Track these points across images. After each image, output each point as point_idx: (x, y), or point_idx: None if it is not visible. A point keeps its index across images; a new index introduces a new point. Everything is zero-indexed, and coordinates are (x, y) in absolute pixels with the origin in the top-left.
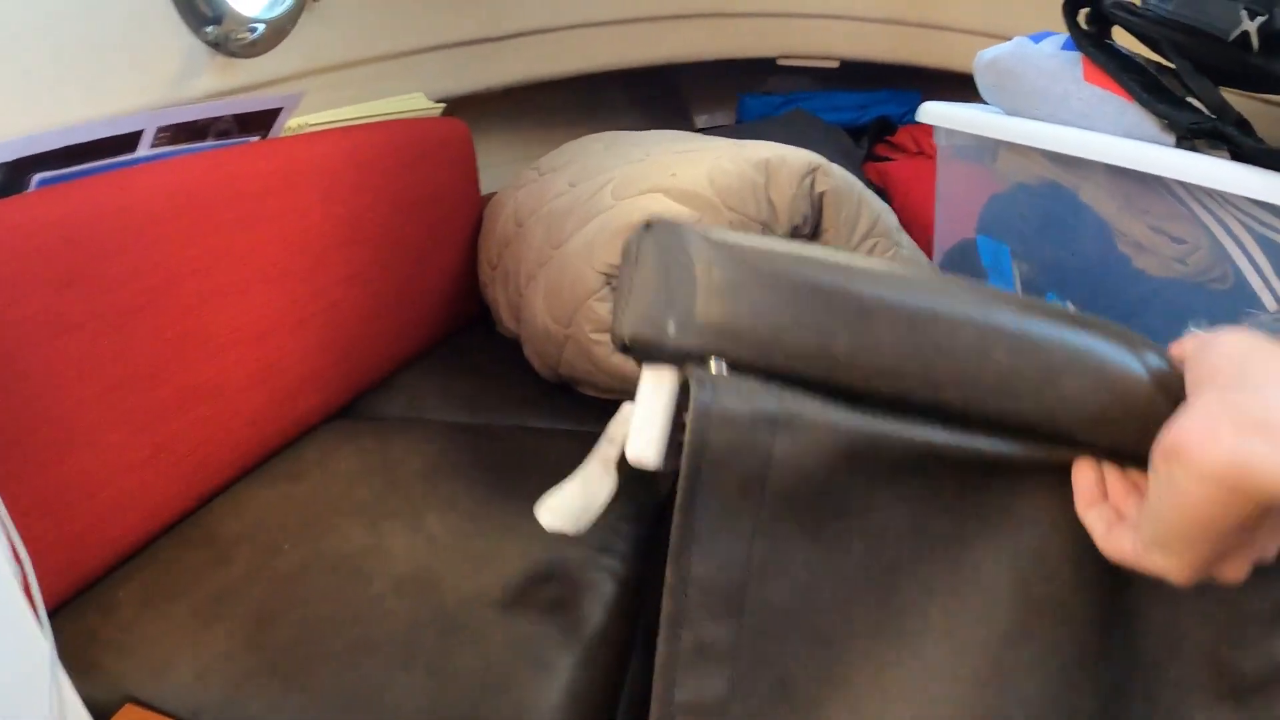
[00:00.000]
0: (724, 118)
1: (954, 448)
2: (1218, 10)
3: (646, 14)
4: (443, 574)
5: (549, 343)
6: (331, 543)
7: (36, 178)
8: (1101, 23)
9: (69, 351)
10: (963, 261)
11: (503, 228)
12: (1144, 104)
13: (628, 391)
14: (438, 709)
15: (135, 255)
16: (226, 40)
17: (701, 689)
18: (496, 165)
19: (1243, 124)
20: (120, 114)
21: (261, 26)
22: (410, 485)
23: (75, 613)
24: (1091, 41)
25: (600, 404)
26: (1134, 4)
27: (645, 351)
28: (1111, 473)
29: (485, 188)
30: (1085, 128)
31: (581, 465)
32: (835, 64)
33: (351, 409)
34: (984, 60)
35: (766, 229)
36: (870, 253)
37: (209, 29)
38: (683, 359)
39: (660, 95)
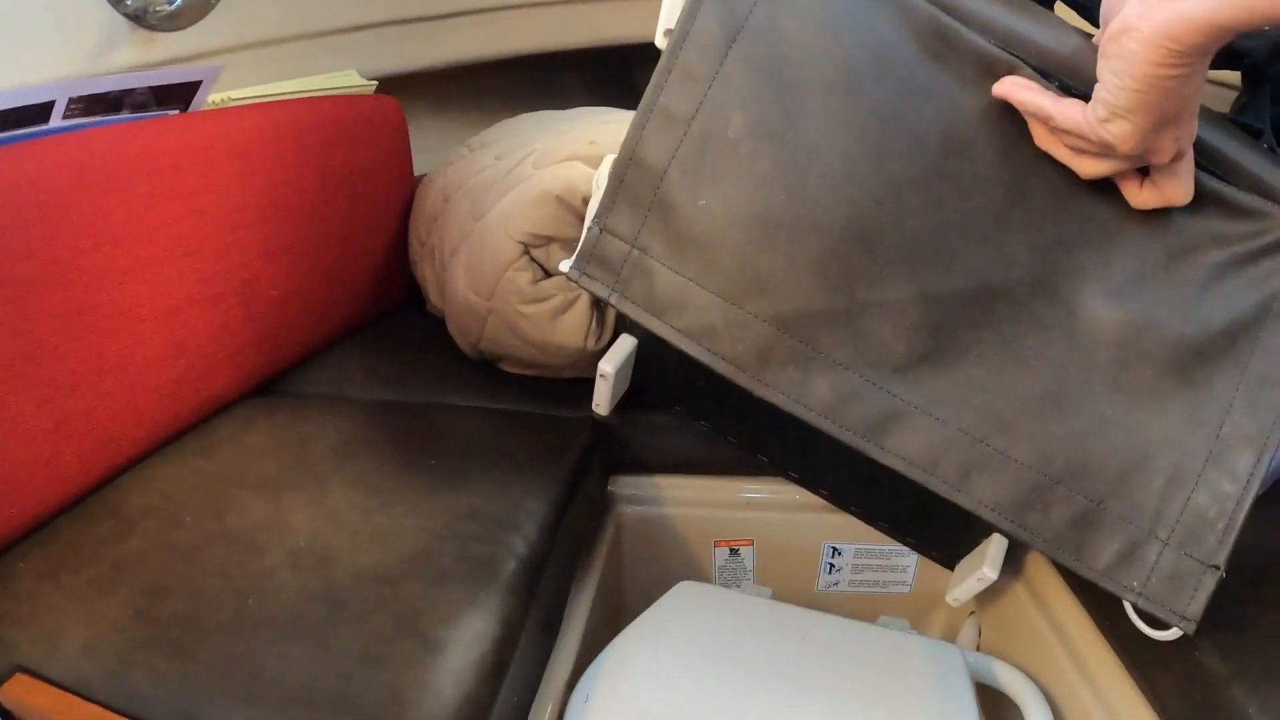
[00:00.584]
0: None
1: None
2: None
3: None
4: (339, 549)
5: (470, 317)
6: (232, 516)
7: None
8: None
9: None
10: None
11: (431, 204)
12: None
13: (551, 365)
14: (316, 683)
15: (40, 227)
16: (146, 13)
17: (678, 99)
18: (439, 148)
19: None
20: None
21: None
22: (319, 461)
23: None
24: None
25: (520, 380)
26: None
27: None
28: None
29: (426, 169)
30: None
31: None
32: None
33: (272, 386)
34: None
35: None
36: None
37: (128, 1)
38: None
39: (610, 78)
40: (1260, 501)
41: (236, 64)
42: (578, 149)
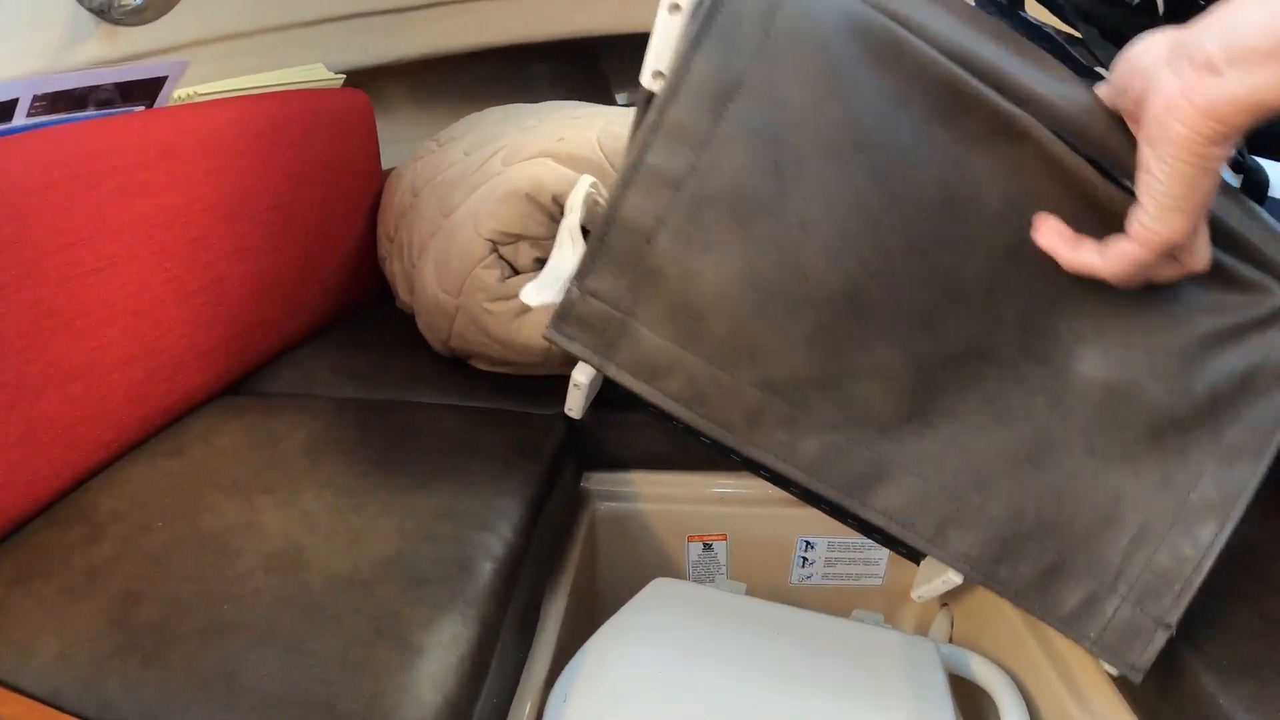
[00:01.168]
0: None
1: (937, 61)
2: None
3: None
4: (313, 552)
5: (439, 314)
6: (204, 519)
7: None
8: None
9: None
10: None
11: (400, 200)
12: None
13: (520, 364)
14: (294, 689)
15: (5, 228)
16: (111, 7)
17: (669, 159)
18: (407, 141)
19: None
20: None
21: None
22: (290, 461)
23: None
24: (999, 10)
25: (491, 378)
26: None
27: None
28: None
29: (394, 163)
30: None
31: (556, 244)
32: None
33: (241, 386)
34: None
35: None
36: None
37: None
38: None
39: (580, 71)
40: None
41: (202, 58)
42: (546, 146)
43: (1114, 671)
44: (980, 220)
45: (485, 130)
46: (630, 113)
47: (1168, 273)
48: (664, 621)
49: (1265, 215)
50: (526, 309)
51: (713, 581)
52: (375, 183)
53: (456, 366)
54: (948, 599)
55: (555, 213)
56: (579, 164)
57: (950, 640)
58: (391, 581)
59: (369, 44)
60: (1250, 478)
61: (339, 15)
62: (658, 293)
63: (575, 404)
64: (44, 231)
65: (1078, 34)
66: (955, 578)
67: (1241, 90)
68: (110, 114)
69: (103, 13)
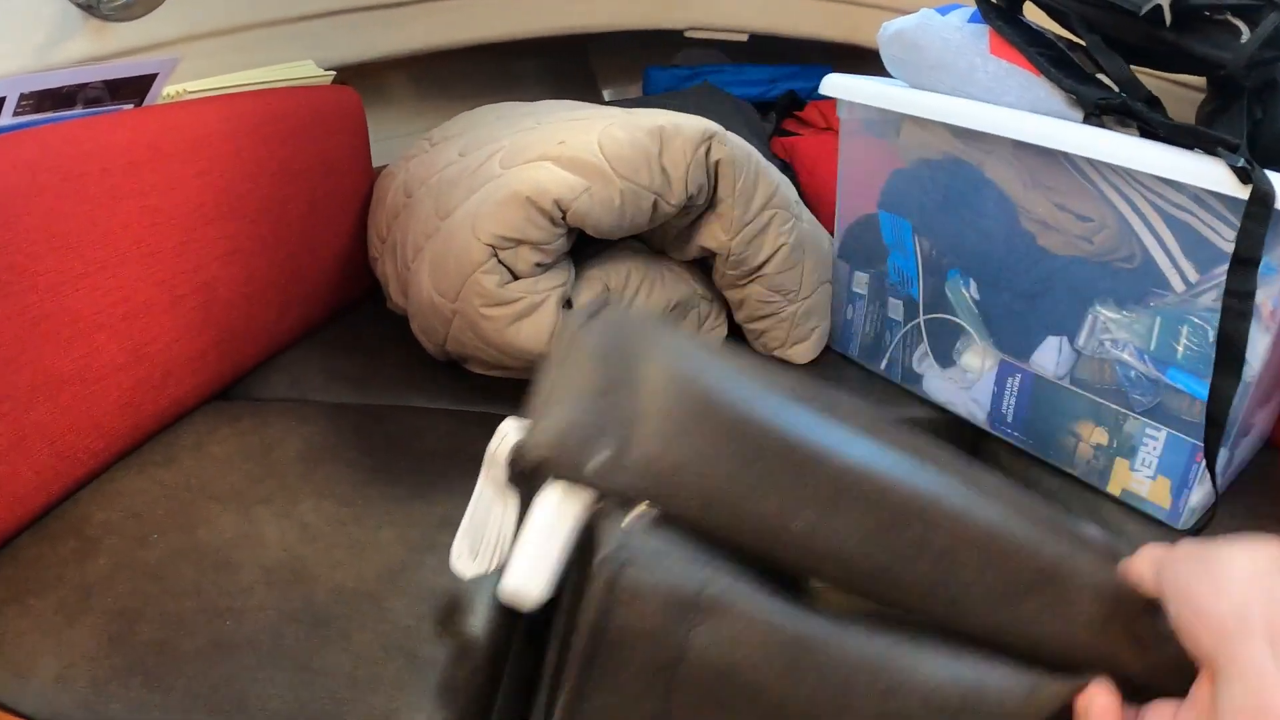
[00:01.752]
0: (633, 91)
1: (897, 670)
2: None
3: None
4: (315, 564)
5: (435, 318)
6: (201, 532)
7: None
8: None
9: None
10: (864, 237)
11: (392, 200)
12: (1051, 79)
13: (515, 368)
14: (304, 709)
15: None
16: (99, 2)
17: None
18: (396, 138)
19: (1152, 101)
20: None
21: None
22: (286, 470)
23: None
24: (999, 15)
25: (487, 381)
26: None
27: (557, 474)
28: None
29: (385, 161)
30: (991, 102)
31: (474, 495)
32: (745, 37)
33: (232, 390)
34: (888, 32)
35: (660, 198)
36: (768, 225)
37: None
38: (602, 496)
39: (568, 68)
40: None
41: (191, 54)
42: (547, 149)
43: None
44: None
45: (481, 130)
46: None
47: None
48: None
49: None
50: (526, 313)
51: None
52: (366, 181)
53: (450, 369)
54: None
55: (557, 217)
56: (580, 168)
57: None
58: (398, 594)
59: (358, 40)
60: None
61: (328, 11)
62: None
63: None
64: (32, 235)
65: (1080, 40)
66: None
67: None
68: (99, 113)
69: (91, 8)
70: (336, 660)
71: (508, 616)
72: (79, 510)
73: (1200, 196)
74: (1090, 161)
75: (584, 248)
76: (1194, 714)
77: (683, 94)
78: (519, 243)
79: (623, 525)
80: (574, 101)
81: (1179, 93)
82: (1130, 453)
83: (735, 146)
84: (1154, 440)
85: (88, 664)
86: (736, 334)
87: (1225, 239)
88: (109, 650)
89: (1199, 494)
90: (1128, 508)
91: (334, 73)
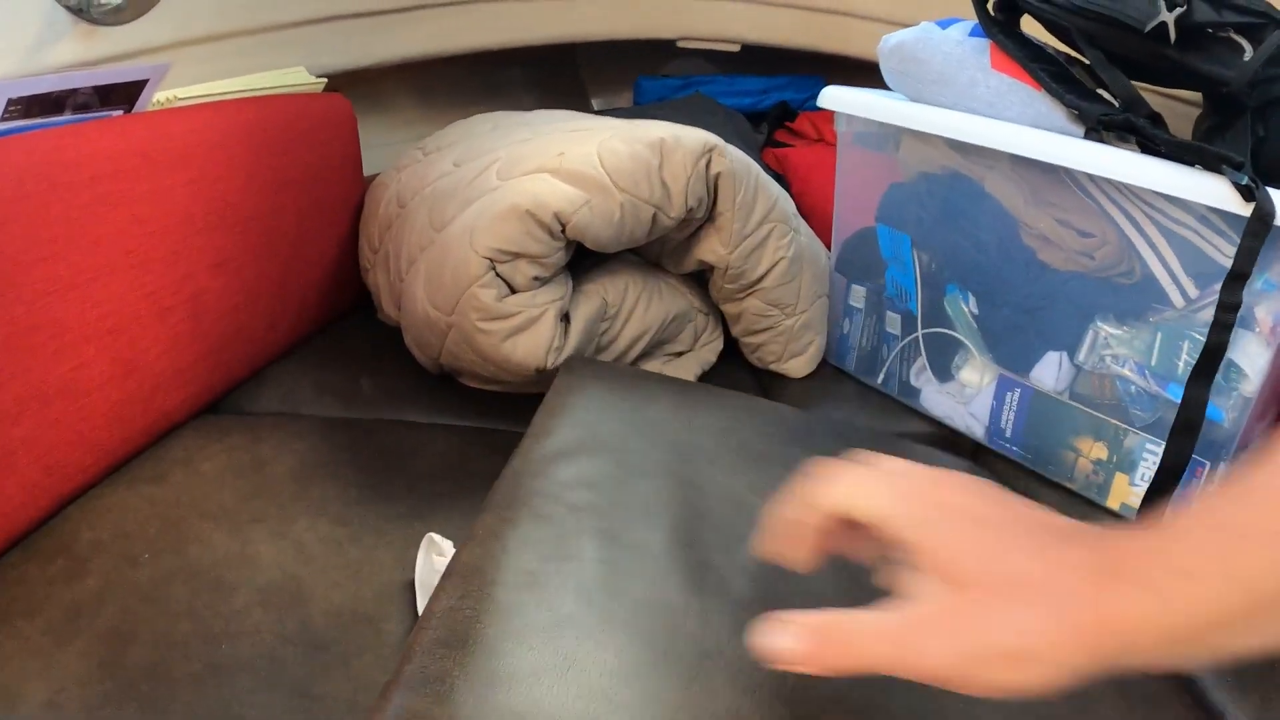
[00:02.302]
0: (623, 100)
1: None
2: (1135, 1)
3: None
4: (312, 585)
5: (430, 331)
6: (193, 551)
7: None
8: (1011, 10)
9: None
10: (861, 250)
11: (385, 210)
12: (1053, 94)
13: (511, 382)
14: None
15: None
16: (89, 6)
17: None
18: (386, 145)
19: (1155, 118)
20: None
21: None
22: (279, 487)
23: None
24: (1000, 29)
25: (482, 396)
26: None
27: None
28: None
29: (374, 169)
30: (991, 117)
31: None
32: (736, 48)
33: (222, 404)
34: (889, 45)
35: (660, 211)
36: (766, 239)
37: None
38: None
39: (557, 77)
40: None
41: (182, 60)
42: (545, 161)
43: None
44: None
45: (476, 141)
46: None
47: None
48: None
49: None
50: (524, 327)
51: None
52: (357, 191)
53: (443, 382)
54: None
55: (556, 230)
56: (579, 180)
57: None
58: (397, 617)
59: (350, 47)
60: None
61: (319, 17)
62: None
63: None
64: (18, 245)
65: (1081, 56)
66: None
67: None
68: (88, 119)
69: (80, 11)
70: (337, 686)
71: None
72: (67, 528)
73: (1201, 213)
74: (1091, 177)
75: (580, 261)
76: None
77: (674, 104)
78: (517, 256)
79: None
80: (570, 111)
81: (1174, 107)
82: (1130, 467)
83: (735, 159)
84: (1154, 455)
85: (79, 688)
86: (733, 347)
87: (1225, 255)
88: (100, 674)
89: None
90: (1123, 520)
91: (325, 80)
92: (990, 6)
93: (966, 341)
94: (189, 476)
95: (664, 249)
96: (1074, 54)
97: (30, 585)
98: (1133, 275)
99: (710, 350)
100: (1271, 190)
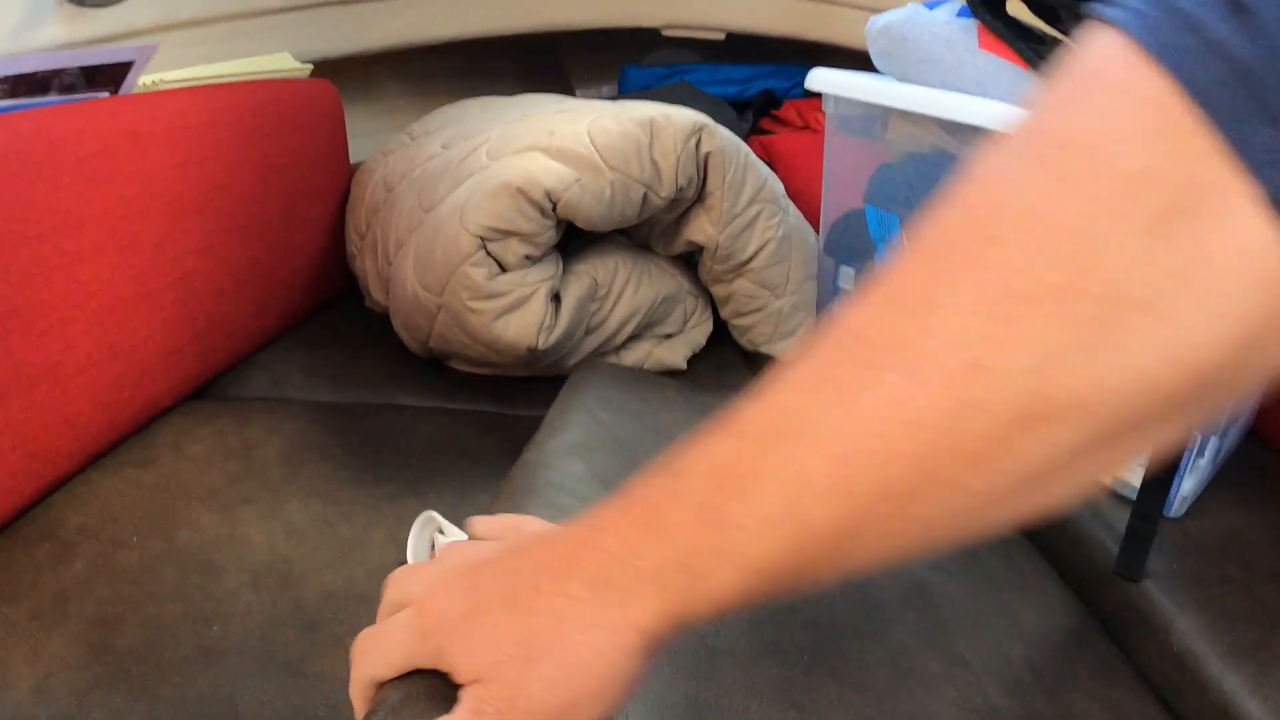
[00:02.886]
0: (607, 89)
1: None
2: None
3: None
4: (303, 565)
5: (419, 313)
6: (182, 534)
7: None
8: None
9: None
10: (850, 232)
11: (372, 194)
12: (1041, 73)
13: (500, 365)
14: (299, 715)
15: None
16: None
17: None
18: (371, 134)
19: None
20: None
21: None
22: (269, 469)
23: None
24: (987, 9)
25: (471, 380)
26: None
27: None
28: None
29: (359, 157)
30: (980, 96)
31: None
32: (721, 36)
33: (209, 389)
34: (876, 26)
35: (650, 190)
36: (756, 219)
37: None
38: None
39: (542, 66)
40: (1216, 483)
41: (167, 44)
42: (536, 139)
43: None
44: None
45: (464, 124)
46: (621, 104)
47: None
48: None
49: None
50: (515, 306)
51: None
52: (344, 176)
53: (432, 366)
54: None
55: (547, 208)
56: (570, 158)
57: None
58: None
59: (335, 34)
60: None
61: (306, 4)
62: None
63: None
64: (3, 225)
65: (1069, 37)
66: None
67: None
68: (73, 100)
69: None
70: (331, 665)
71: None
72: (53, 513)
73: None
74: None
75: (570, 242)
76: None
77: (659, 93)
78: (508, 234)
79: None
80: (558, 95)
81: None
82: None
83: (725, 139)
84: None
85: (67, 673)
86: (723, 330)
87: None
88: (89, 659)
89: (1190, 483)
90: (1120, 498)
91: (311, 66)
92: None
93: None
94: (177, 460)
95: (654, 230)
96: (1061, 35)
97: (17, 571)
98: None
99: (700, 332)
100: None
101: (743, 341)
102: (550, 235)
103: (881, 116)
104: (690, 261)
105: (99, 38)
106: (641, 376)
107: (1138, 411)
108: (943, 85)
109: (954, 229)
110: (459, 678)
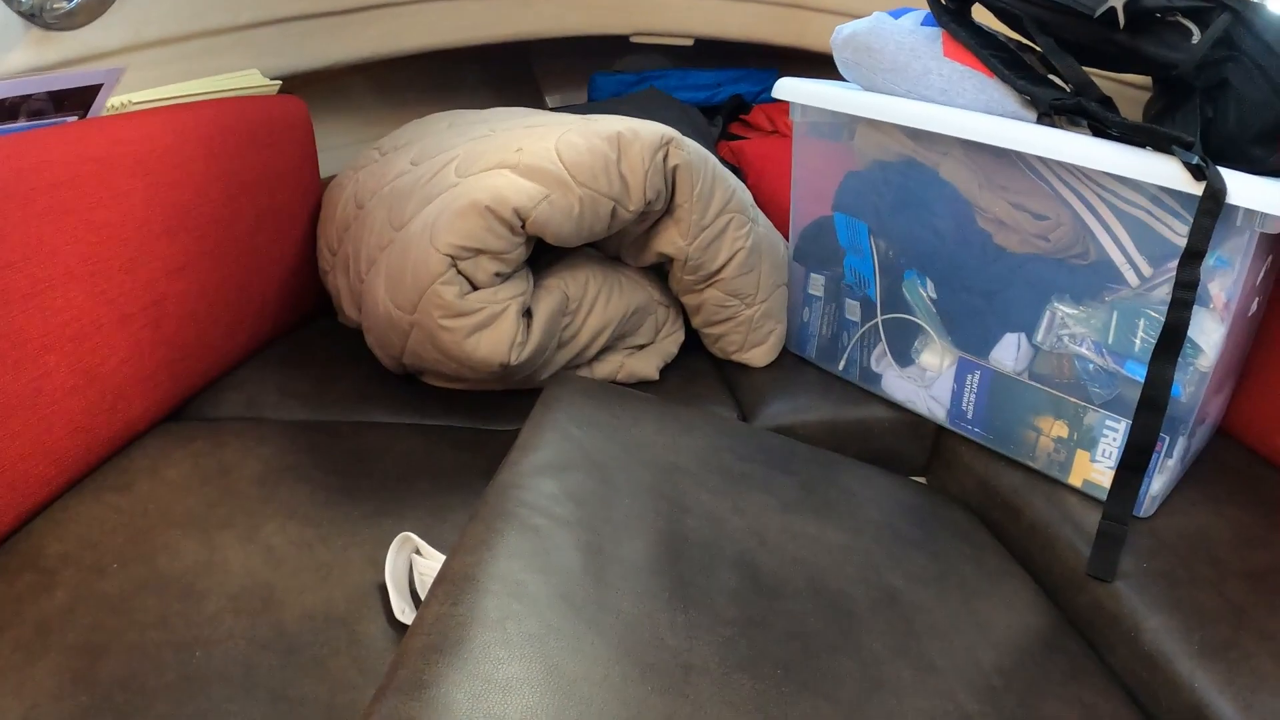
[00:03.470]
0: (577, 97)
1: None
2: None
3: None
4: (283, 589)
5: (392, 331)
6: (162, 560)
7: None
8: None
9: None
10: (819, 239)
11: (343, 211)
12: (1005, 80)
13: (474, 380)
14: None
15: None
16: (42, 11)
17: None
18: (341, 147)
19: (1105, 101)
20: None
21: None
22: (246, 492)
23: None
24: (952, 18)
25: (445, 394)
26: None
27: None
28: None
29: (329, 171)
30: (945, 104)
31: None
32: (690, 42)
33: (184, 411)
34: (841, 35)
35: (619, 205)
36: (725, 229)
37: None
38: None
39: (512, 74)
40: (1186, 482)
41: (136, 64)
42: (504, 157)
43: None
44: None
45: (432, 139)
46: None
47: None
48: None
49: None
50: (486, 323)
51: None
52: (314, 193)
53: (406, 382)
54: None
55: (516, 226)
56: (538, 175)
57: None
58: (370, 618)
59: (304, 49)
60: None
61: (273, 19)
62: None
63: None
64: None
65: (1032, 43)
66: None
67: None
68: (43, 125)
69: (33, 17)
70: (313, 689)
71: None
72: (33, 541)
73: (1153, 193)
74: (1044, 160)
75: (540, 256)
76: None
77: (629, 99)
78: (478, 252)
79: None
80: (526, 109)
81: (1124, 92)
82: (1090, 444)
83: (692, 152)
84: (1114, 432)
85: (52, 704)
86: (694, 339)
87: (1178, 234)
88: (74, 689)
89: (1159, 483)
90: (1089, 499)
91: (280, 82)
92: None
93: (926, 326)
94: (155, 484)
95: (623, 242)
96: (1025, 41)
97: None
98: (1087, 256)
99: (672, 342)
100: (1221, 169)
101: (714, 350)
102: (520, 252)
103: (848, 125)
104: (661, 272)
105: (67, 60)
106: (613, 391)
107: None
108: (908, 94)
109: None
110: None
